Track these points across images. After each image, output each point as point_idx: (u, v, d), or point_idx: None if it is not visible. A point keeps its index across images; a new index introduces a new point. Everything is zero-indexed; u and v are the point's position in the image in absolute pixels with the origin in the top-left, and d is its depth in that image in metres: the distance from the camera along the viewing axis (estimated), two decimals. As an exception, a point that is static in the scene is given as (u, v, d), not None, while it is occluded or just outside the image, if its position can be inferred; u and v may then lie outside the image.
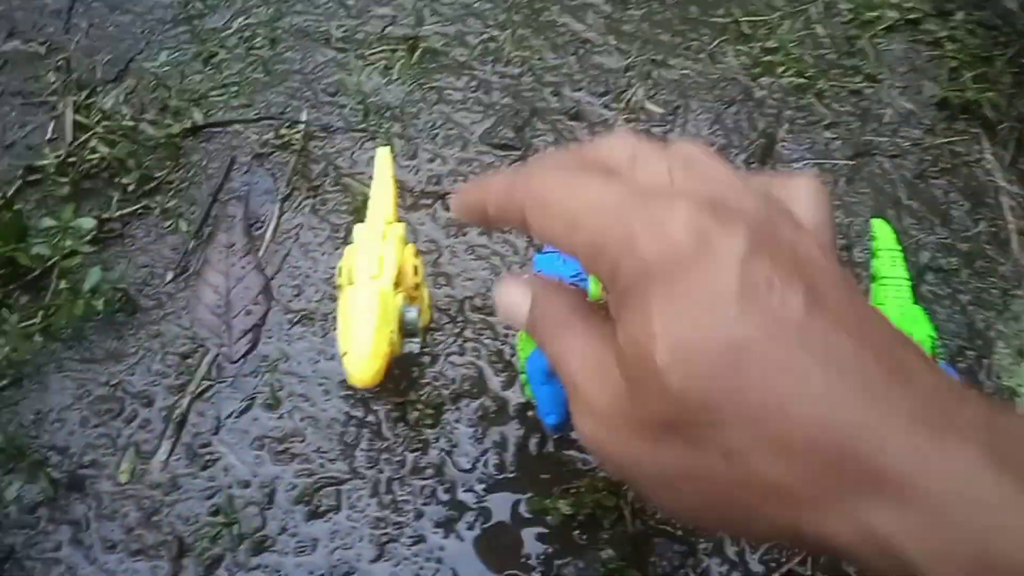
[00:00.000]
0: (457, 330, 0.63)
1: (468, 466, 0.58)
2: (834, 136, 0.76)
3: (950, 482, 0.21)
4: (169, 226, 0.66)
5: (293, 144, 0.70)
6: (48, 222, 0.61)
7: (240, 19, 0.80)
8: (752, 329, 0.23)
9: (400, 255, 0.52)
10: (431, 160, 0.72)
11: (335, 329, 0.61)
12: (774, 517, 0.24)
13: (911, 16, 0.82)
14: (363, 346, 0.47)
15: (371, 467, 0.57)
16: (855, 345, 0.23)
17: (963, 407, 0.23)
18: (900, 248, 0.51)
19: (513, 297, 0.33)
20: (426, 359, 0.61)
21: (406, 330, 0.51)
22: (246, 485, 0.56)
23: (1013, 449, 0.22)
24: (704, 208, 0.25)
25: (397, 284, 0.51)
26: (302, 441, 0.58)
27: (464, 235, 0.67)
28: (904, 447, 0.22)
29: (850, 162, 0.74)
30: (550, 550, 0.56)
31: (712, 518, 0.26)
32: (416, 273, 0.55)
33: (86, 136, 0.69)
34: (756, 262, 0.24)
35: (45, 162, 0.67)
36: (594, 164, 0.29)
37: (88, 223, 0.61)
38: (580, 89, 0.76)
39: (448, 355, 0.62)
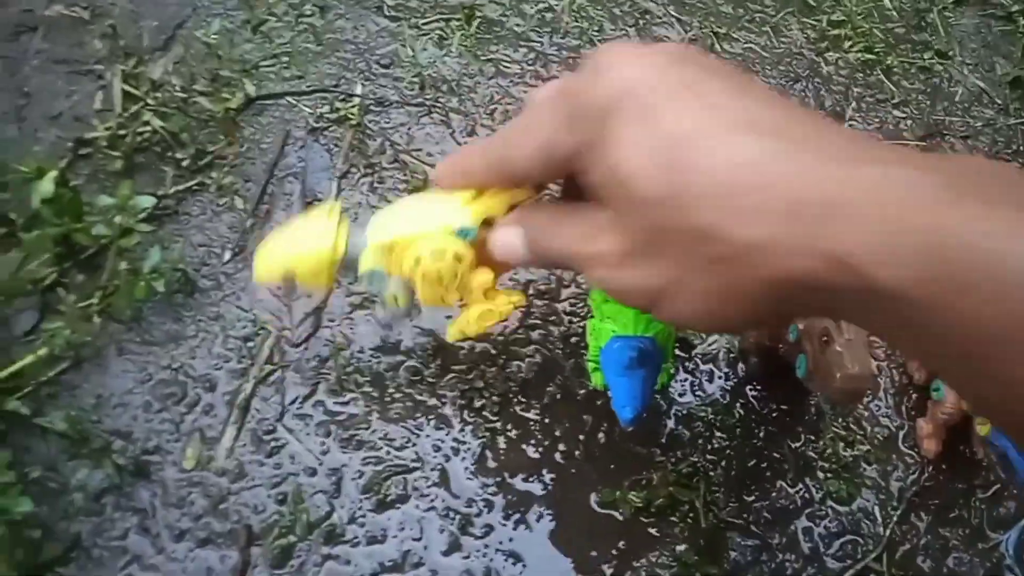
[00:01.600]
0: (521, 315, 0.61)
1: (536, 455, 0.57)
2: (904, 115, 0.73)
3: (881, 193, 0.25)
4: (225, 203, 0.64)
5: (349, 118, 0.68)
6: (105, 200, 0.59)
7: (288, -16, 0.77)
8: (688, 124, 0.28)
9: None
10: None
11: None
12: (755, 278, 0.27)
13: (983, -11, 0.79)
14: None
15: (438, 455, 0.56)
16: (779, 115, 0.28)
17: (870, 142, 0.28)
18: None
19: (505, 237, 0.37)
20: (493, 347, 0.60)
21: None
22: (313, 473, 0.55)
23: (936, 163, 0.26)
24: (626, 51, 0.31)
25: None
26: (368, 428, 0.57)
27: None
28: (835, 177, 0.26)
29: (921, 143, 0.72)
30: (622, 544, 0.55)
31: (711, 309, 0.30)
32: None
33: (136, 107, 0.67)
34: (677, 70, 0.30)
35: (96, 135, 0.65)
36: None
37: (147, 201, 0.59)
38: (641, 63, 0.74)
39: (514, 341, 0.60)
